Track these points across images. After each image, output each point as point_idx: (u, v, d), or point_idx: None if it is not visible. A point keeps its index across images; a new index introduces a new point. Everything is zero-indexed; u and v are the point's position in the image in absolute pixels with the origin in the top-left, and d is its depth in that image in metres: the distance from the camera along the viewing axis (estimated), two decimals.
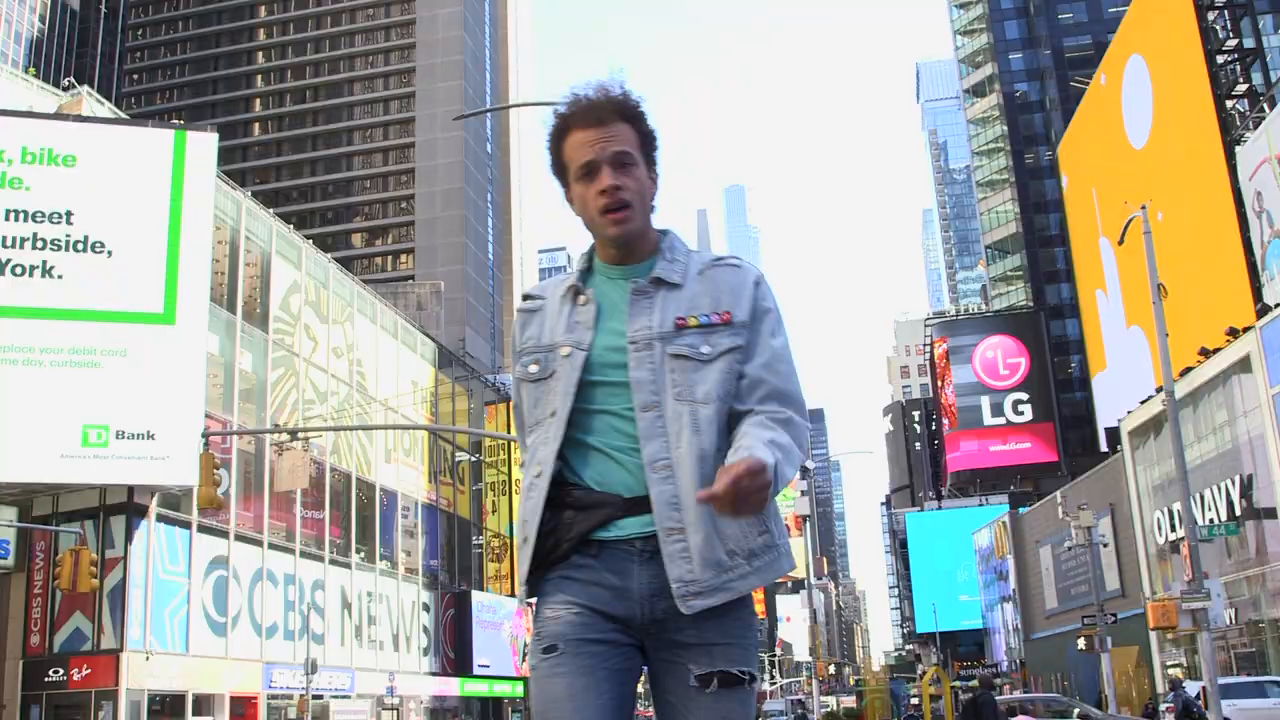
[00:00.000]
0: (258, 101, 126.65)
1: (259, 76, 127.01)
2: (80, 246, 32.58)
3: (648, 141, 2.85)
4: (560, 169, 2.87)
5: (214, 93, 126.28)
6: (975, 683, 35.16)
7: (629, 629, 2.68)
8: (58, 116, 35.46)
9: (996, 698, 22.94)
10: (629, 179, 2.77)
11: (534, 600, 2.77)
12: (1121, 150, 57.88)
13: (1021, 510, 67.79)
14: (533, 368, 2.83)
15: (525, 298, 2.98)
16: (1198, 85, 48.01)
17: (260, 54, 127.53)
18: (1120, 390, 55.35)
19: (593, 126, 2.77)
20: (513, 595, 58.34)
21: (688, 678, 2.64)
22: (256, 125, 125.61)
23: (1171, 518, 39.97)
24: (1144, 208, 24.60)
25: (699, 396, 2.70)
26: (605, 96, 2.80)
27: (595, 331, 2.77)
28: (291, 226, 46.27)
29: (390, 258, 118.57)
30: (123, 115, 47.40)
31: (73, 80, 44.98)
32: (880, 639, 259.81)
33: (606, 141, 2.76)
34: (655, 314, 2.76)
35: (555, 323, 2.84)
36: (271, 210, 45.50)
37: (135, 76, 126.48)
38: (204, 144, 35.78)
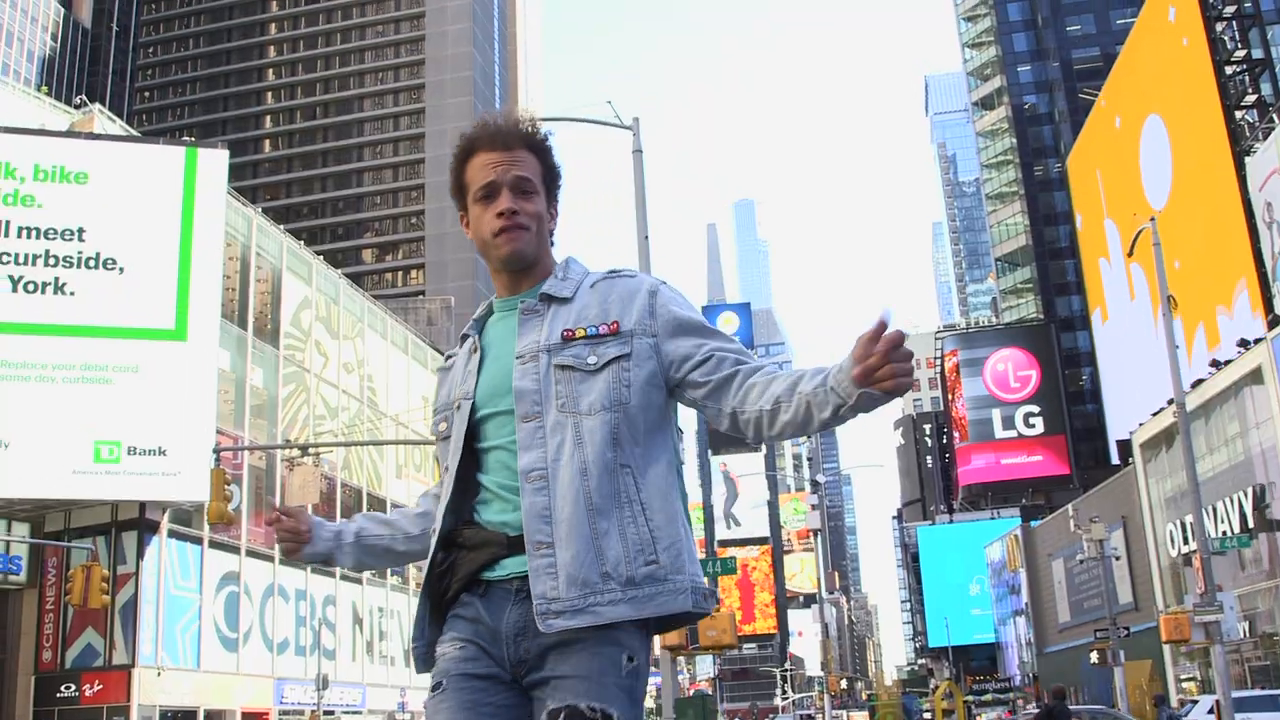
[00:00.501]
0: (268, 118, 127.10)
1: (269, 93, 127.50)
2: (92, 263, 32.72)
3: (551, 175, 2.85)
4: (460, 190, 2.86)
5: (225, 110, 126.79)
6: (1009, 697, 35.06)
7: (506, 671, 2.59)
8: (69, 134, 35.64)
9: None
10: (528, 204, 2.77)
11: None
12: (1135, 194, 57.88)
13: (1033, 523, 67.61)
14: (442, 426, 2.82)
15: (446, 357, 2.98)
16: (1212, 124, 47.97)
17: (271, 71, 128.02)
18: (1132, 402, 55.24)
19: (498, 150, 2.78)
20: None
21: (541, 715, 2.50)
22: (267, 142, 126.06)
23: (1184, 530, 39.85)
24: (1153, 219, 24.57)
25: (583, 408, 2.62)
26: (513, 124, 2.83)
27: (479, 374, 2.75)
28: (302, 242, 46.39)
29: (401, 273, 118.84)
30: (134, 132, 47.61)
31: (84, 98, 45.20)
32: (892, 653, 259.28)
33: (509, 165, 2.76)
34: (544, 329, 2.71)
35: (457, 378, 2.83)
36: (282, 226, 45.64)
37: (146, 94, 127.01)
38: (215, 161, 35.92)
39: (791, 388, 2.53)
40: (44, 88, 69.18)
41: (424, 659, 2.71)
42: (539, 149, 2.83)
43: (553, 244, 2.87)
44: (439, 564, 2.68)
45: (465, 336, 2.88)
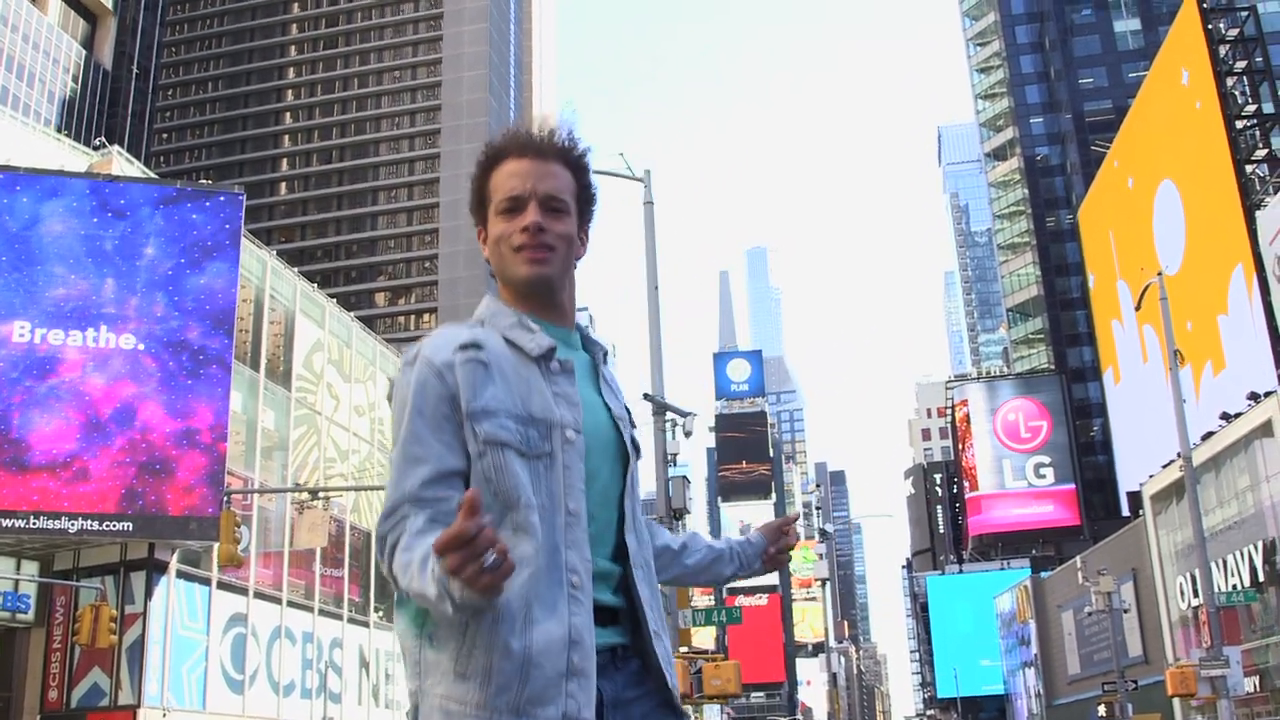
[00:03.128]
0: (284, 161, 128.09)
1: (286, 136, 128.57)
2: None
3: (586, 196, 2.54)
4: (480, 202, 2.53)
5: (242, 152, 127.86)
6: None
7: None
8: (88, 175, 36.01)
9: None
10: (558, 224, 2.45)
11: None
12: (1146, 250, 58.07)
13: (1043, 574, 67.38)
14: (517, 438, 2.32)
15: (469, 346, 2.40)
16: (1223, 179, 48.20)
17: (288, 114, 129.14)
18: (1143, 453, 55.15)
19: (529, 158, 2.46)
20: None
21: None
22: (283, 184, 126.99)
23: (1194, 583, 39.71)
24: (1160, 274, 24.71)
25: (639, 494, 2.55)
26: (549, 133, 2.50)
27: (579, 410, 2.41)
28: (315, 285, 46.66)
29: (413, 317, 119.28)
30: (152, 174, 48.05)
31: (103, 140, 45.67)
32: (901, 703, 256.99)
33: (541, 178, 2.44)
34: (617, 392, 2.56)
35: (524, 389, 2.38)
36: (296, 269, 45.93)
37: (165, 135, 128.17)
38: (231, 204, 36.27)
39: (692, 540, 2.85)
40: (64, 132, 69.92)
41: None
42: (575, 165, 2.51)
43: (574, 270, 2.59)
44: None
45: (543, 348, 2.43)
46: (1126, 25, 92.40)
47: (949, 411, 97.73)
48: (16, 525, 30.72)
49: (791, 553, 2.74)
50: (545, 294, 2.48)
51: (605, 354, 2.59)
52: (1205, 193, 49.57)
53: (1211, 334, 48.63)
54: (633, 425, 2.56)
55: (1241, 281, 45.52)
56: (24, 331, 31.68)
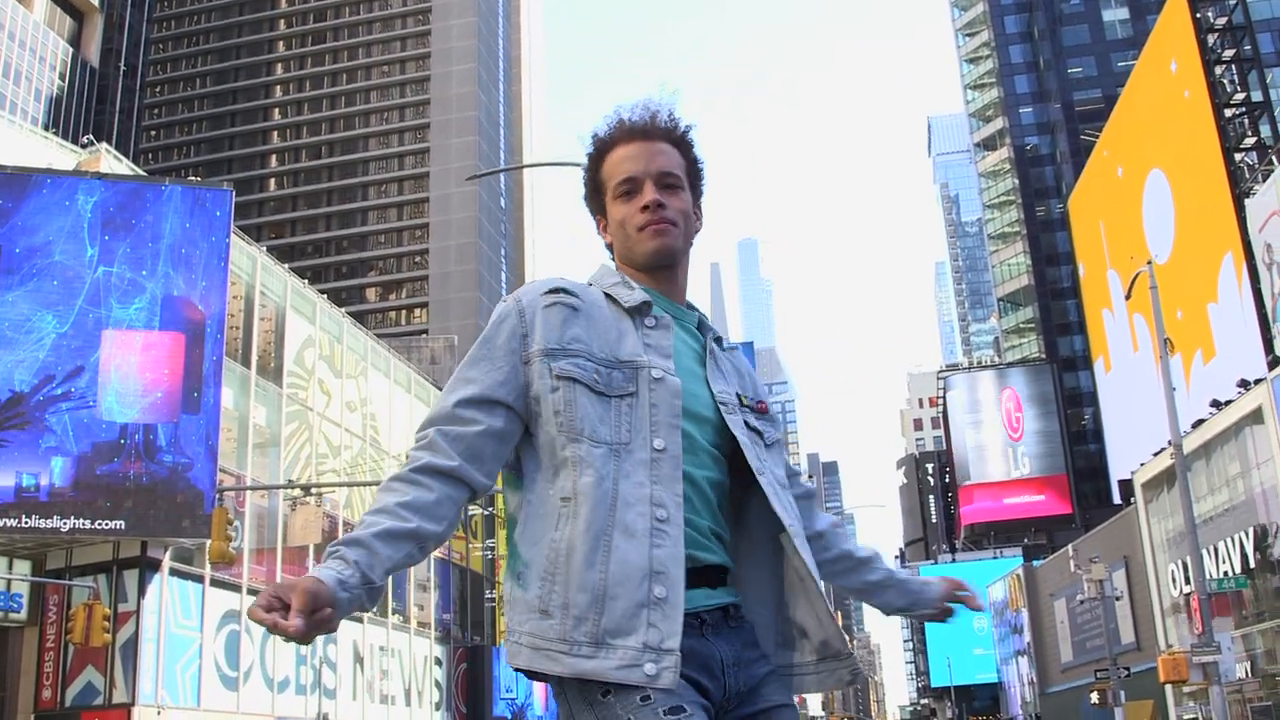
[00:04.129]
0: (273, 157, 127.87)
1: (275, 133, 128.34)
2: None
3: (695, 171, 2.65)
4: (596, 191, 2.63)
5: (230, 149, 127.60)
6: None
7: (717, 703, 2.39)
8: (76, 173, 35.92)
9: None
10: (675, 199, 2.55)
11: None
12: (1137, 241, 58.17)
13: (1035, 563, 67.50)
14: (596, 376, 2.40)
15: (560, 291, 2.48)
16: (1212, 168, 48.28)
17: (276, 110, 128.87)
18: (1133, 441, 55.29)
19: (638, 141, 2.57)
20: None
21: None
22: (272, 181, 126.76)
23: (1185, 570, 39.82)
24: (1150, 263, 24.77)
25: (779, 477, 2.56)
26: (651, 114, 2.60)
27: (674, 363, 2.46)
28: (306, 281, 46.60)
29: (404, 312, 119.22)
30: (140, 172, 47.94)
31: (91, 137, 45.55)
32: (895, 694, 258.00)
33: (653, 157, 2.55)
34: (729, 377, 2.59)
35: (613, 336, 2.46)
36: (286, 265, 45.86)
37: (153, 132, 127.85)
38: (220, 200, 36.19)
39: (876, 557, 2.84)
40: (51, 129, 69.73)
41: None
42: (682, 143, 2.63)
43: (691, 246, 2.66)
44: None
45: (638, 301, 2.51)
46: (1115, 14, 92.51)
47: (941, 401, 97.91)
48: (8, 524, 30.68)
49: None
50: (668, 266, 2.57)
51: (720, 340, 2.64)
52: (1194, 181, 49.67)
53: (1202, 322, 48.75)
54: (755, 413, 2.61)
55: (1231, 270, 45.63)
56: (32, 329, 31.63)
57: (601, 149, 2.60)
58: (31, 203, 32.44)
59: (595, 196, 2.63)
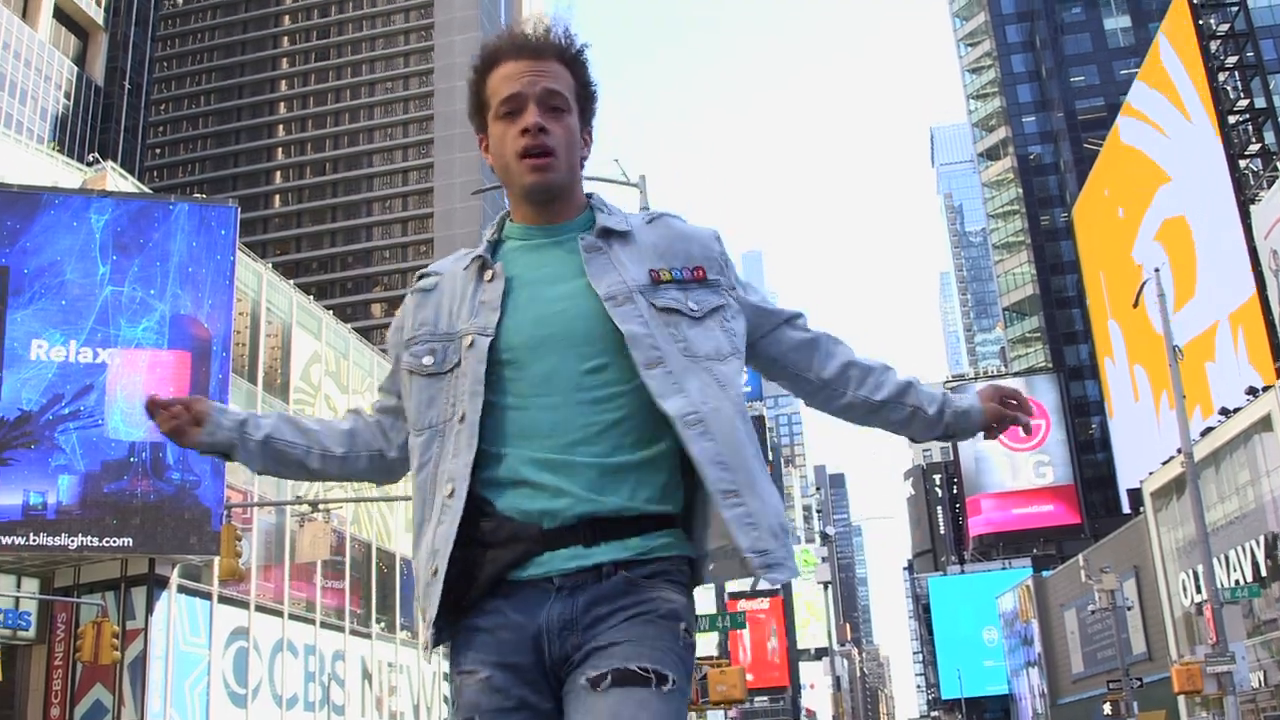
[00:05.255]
0: (278, 174, 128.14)
1: (279, 149, 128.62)
2: None
3: (586, 93, 2.49)
4: (479, 108, 2.49)
5: (236, 165, 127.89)
6: None
7: (543, 683, 2.26)
8: (81, 191, 35.96)
9: None
10: (557, 125, 2.40)
11: (438, 648, 2.39)
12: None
13: (1045, 574, 67.32)
14: (427, 359, 2.41)
15: (421, 276, 2.57)
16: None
17: (281, 127, 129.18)
18: (1142, 451, 55.15)
19: (525, 59, 2.42)
20: None
21: (579, 683, 2.20)
22: (277, 197, 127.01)
23: (1196, 580, 39.68)
24: (1157, 270, 24.73)
25: (707, 352, 2.36)
26: (544, 32, 2.46)
27: (503, 312, 2.36)
28: (312, 297, 46.63)
29: None
30: (145, 189, 48.01)
31: (97, 155, 45.65)
32: (905, 705, 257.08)
33: (537, 76, 2.40)
34: (621, 267, 2.39)
35: (456, 305, 2.44)
36: (292, 281, 45.88)
37: (158, 150, 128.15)
38: (226, 217, 36.22)
39: (899, 394, 2.59)
40: (54, 145, 69.87)
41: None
42: (574, 62, 2.46)
43: (581, 170, 2.51)
44: (453, 561, 2.29)
45: (474, 258, 2.47)
46: (1117, 23, 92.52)
47: None
48: (16, 542, 30.66)
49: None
50: (548, 199, 2.44)
51: (616, 230, 2.45)
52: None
53: (1200, 381, 47.88)
54: (681, 285, 2.42)
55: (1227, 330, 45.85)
56: (41, 350, 31.69)
57: (488, 62, 2.47)
58: (41, 222, 32.48)
59: (479, 113, 2.50)
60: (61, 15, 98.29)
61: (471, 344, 2.34)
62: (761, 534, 2.26)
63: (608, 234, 2.42)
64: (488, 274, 2.41)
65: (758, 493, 2.29)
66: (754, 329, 2.54)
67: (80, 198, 34.10)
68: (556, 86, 2.41)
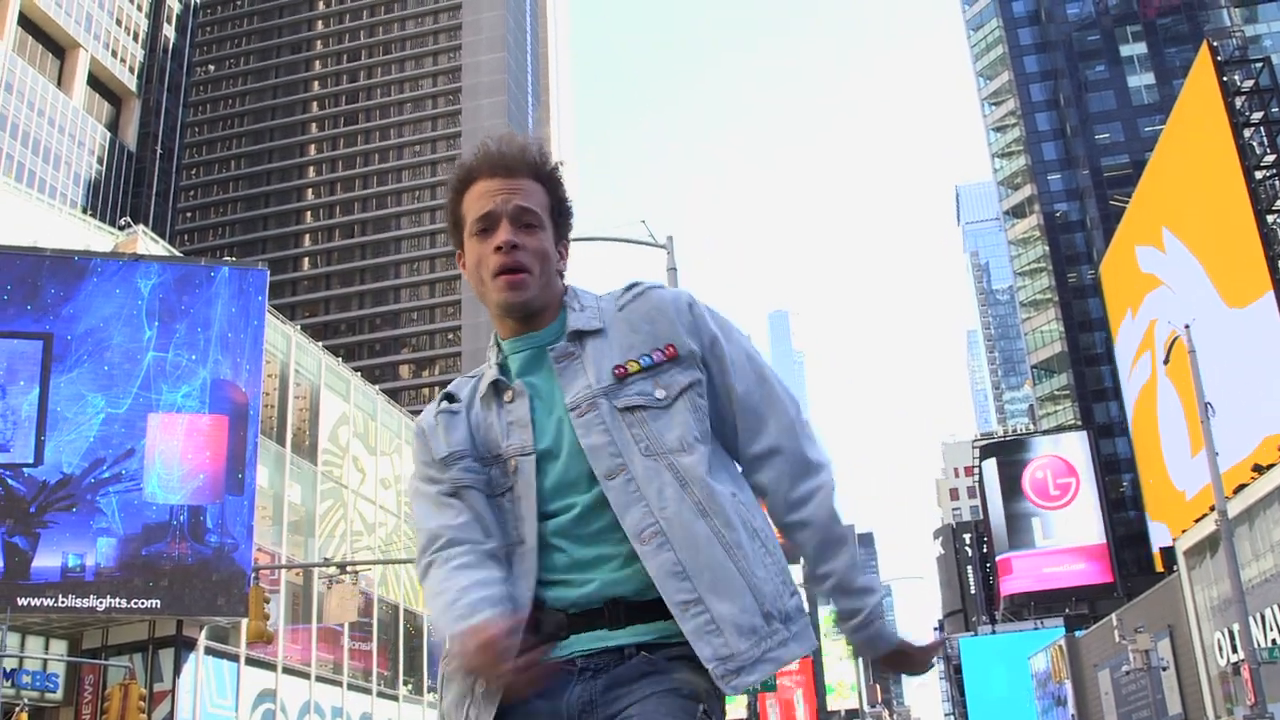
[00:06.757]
0: (307, 237, 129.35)
1: (308, 212, 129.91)
2: None
3: (560, 209, 2.54)
4: (456, 224, 2.53)
5: (265, 229, 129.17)
6: None
7: None
8: (113, 255, 36.37)
9: None
10: (531, 239, 2.43)
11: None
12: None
13: (1078, 633, 66.47)
14: (483, 477, 2.43)
15: (444, 399, 2.54)
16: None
17: (310, 190, 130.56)
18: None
19: (498, 177, 2.46)
20: None
21: None
22: (306, 260, 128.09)
23: (1232, 639, 39.10)
24: (1187, 326, 24.59)
25: (671, 445, 2.34)
26: (517, 149, 2.50)
27: (534, 428, 2.39)
28: (340, 359, 46.88)
29: (437, 389, 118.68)
30: (176, 253, 48.52)
31: (129, 220, 46.20)
32: None
33: (510, 194, 2.44)
34: (588, 371, 2.40)
35: (487, 428, 2.44)
36: (320, 343, 46.17)
37: (188, 214, 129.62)
38: (257, 281, 36.55)
39: (835, 552, 2.47)
40: (89, 211, 70.75)
41: None
42: (547, 179, 2.52)
43: (561, 280, 2.54)
44: None
45: (489, 384, 2.47)
46: (1141, 80, 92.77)
47: (977, 471, 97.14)
48: (45, 604, 30.73)
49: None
50: (523, 316, 2.46)
51: (594, 330, 2.45)
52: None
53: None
54: (645, 372, 2.40)
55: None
56: (83, 414, 31.96)
57: (464, 181, 2.50)
58: (84, 289, 32.85)
59: (456, 230, 2.54)
60: (95, 82, 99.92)
61: (516, 468, 2.38)
62: (727, 638, 2.24)
63: (579, 336, 2.44)
64: (507, 394, 2.44)
65: (727, 590, 2.26)
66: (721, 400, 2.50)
67: (122, 263, 34.47)
68: (529, 204, 2.45)
